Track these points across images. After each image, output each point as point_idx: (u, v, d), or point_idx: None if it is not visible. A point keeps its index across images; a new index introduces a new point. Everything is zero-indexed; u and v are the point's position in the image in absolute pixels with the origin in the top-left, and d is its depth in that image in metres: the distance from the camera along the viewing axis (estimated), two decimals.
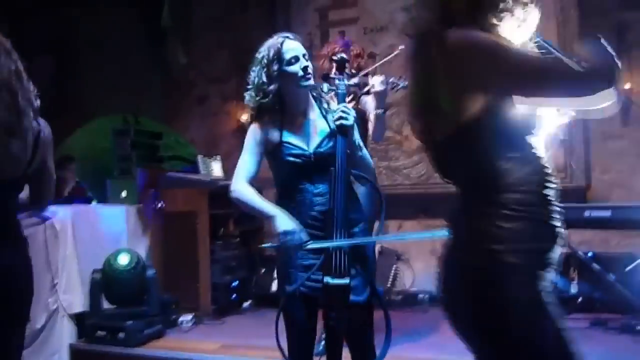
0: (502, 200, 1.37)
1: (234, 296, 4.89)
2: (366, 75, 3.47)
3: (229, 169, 5.58)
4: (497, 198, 1.37)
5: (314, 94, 2.34)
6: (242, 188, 2.27)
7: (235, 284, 4.91)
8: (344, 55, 2.38)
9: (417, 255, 5.26)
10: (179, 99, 6.33)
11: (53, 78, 7.20)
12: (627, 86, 4.54)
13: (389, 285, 5.16)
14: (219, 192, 4.85)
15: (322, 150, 2.25)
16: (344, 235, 2.13)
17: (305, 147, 2.26)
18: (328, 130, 2.28)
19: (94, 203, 5.18)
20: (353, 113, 2.26)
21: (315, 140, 2.27)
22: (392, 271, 5.21)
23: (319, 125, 2.30)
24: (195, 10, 6.26)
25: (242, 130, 5.82)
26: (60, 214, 4.29)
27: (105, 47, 6.79)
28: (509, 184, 1.38)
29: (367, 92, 3.43)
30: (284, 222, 2.13)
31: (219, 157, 5.49)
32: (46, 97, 7.27)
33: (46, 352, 4.17)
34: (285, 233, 2.10)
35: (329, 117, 2.30)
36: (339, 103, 2.31)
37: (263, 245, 2.31)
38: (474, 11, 1.39)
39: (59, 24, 7.03)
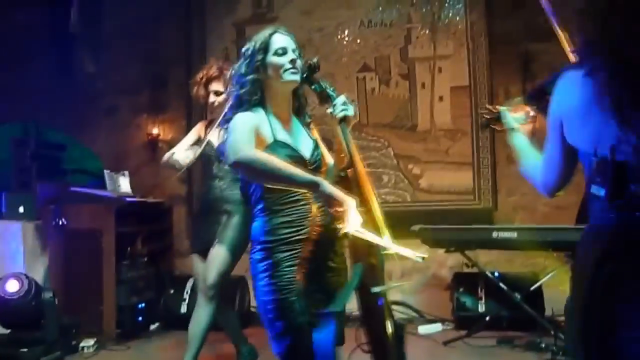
0: None
1: (140, 319, 4.66)
2: None
3: (137, 185, 5.36)
4: None
5: (300, 101, 2.16)
6: (256, 152, 1.86)
7: (142, 305, 4.68)
8: (315, 60, 2.12)
9: None
10: (85, 109, 6.02)
11: None
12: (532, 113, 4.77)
13: None
14: (127, 209, 4.66)
15: (315, 159, 2.07)
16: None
17: (300, 150, 2.04)
18: (313, 141, 2.12)
19: None
20: (354, 107, 2.11)
21: (306, 148, 2.07)
22: None
23: (305, 134, 2.13)
24: (106, 17, 6.00)
25: (153, 144, 5.74)
26: None
27: (6, 47, 6.37)
28: None
29: None
30: (335, 189, 1.85)
31: (127, 173, 5.26)
32: None
33: None
34: (349, 199, 1.82)
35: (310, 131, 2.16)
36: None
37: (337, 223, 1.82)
38: None
39: None
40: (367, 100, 5.19)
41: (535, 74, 4.88)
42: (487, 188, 5.03)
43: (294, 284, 1.90)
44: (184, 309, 4.75)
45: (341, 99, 2.07)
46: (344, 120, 2.04)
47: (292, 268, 1.90)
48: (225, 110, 2.19)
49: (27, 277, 3.91)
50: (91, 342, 4.08)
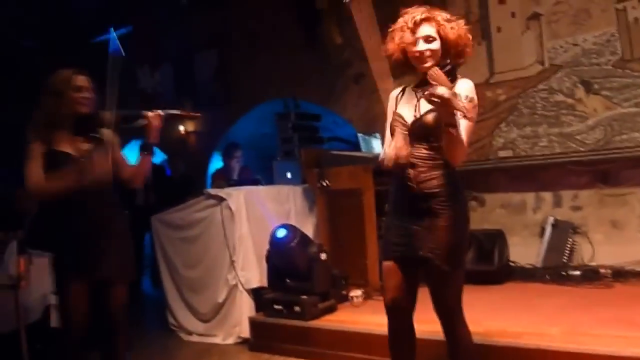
0: None
1: None
2: None
3: None
4: None
5: None
6: None
7: None
8: None
9: (595, 227, 4.87)
10: (335, 79, 6.40)
11: (216, 70, 7.66)
12: None
13: (564, 259, 4.84)
14: (381, 169, 4.83)
15: None
16: None
17: None
18: None
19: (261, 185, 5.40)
20: None
21: None
22: (568, 245, 4.87)
23: None
24: None
25: None
26: (233, 195, 4.53)
27: (262, 35, 7.05)
28: None
29: None
30: None
31: (378, 134, 5.47)
32: (212, 88, 7.69)
33: (228, 324, 4.46)
34: None
35: None
36: None
37: None
38: None
39: (218, 19, 7.44)
40: (631, 33, 4.63)
41: None
42: None
43: None
44: None
45: None
46: None
47: None
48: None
49: (294, 228, 4.30)
50: (359, 292, 4.34)
